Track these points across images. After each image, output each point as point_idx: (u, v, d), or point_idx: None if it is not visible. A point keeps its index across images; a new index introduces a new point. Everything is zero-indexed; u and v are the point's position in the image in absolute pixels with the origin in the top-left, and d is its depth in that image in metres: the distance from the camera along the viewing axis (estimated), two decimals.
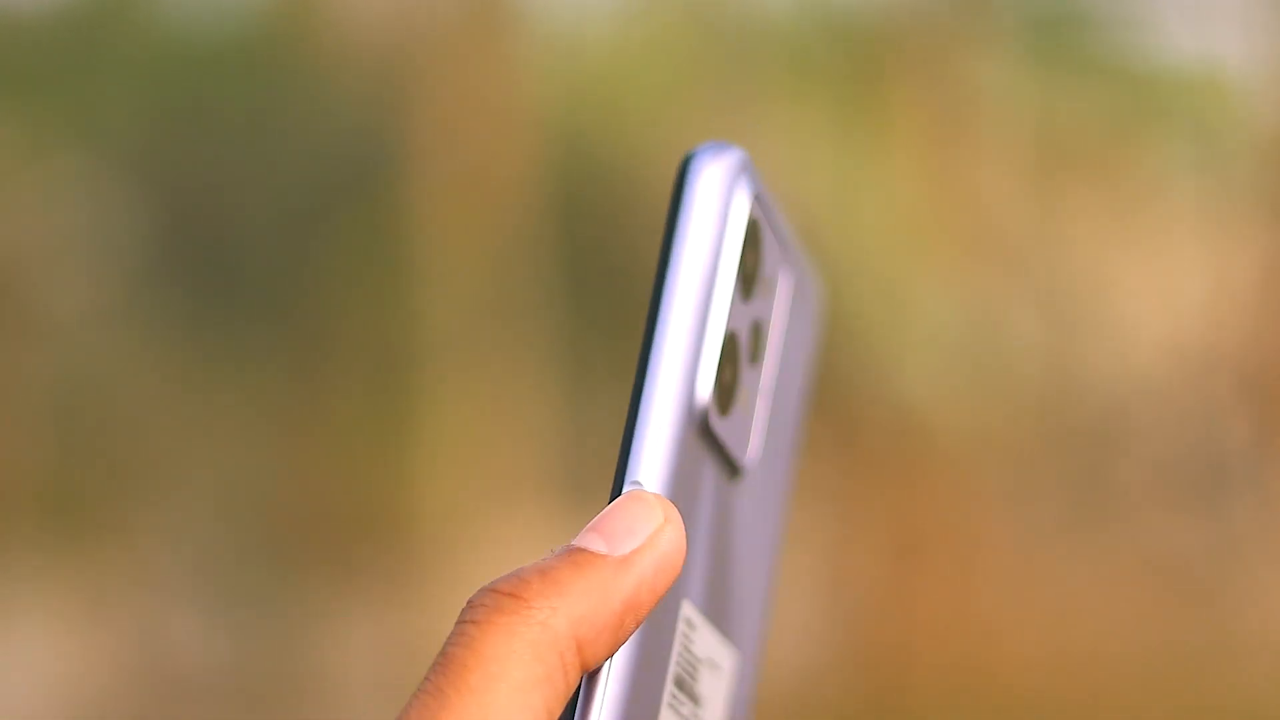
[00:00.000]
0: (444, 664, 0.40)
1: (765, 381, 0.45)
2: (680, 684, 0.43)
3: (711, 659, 0.44)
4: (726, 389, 0.43)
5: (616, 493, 0.42)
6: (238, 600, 1.79)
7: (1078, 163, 1.97)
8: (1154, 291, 1.96)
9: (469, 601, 0.41)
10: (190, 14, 1.92)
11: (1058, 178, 1.97)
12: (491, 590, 0.40)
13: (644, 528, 0.41)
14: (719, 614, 0.45)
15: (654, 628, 0.42)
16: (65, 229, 1.86)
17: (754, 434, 0.45)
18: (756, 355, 0.45)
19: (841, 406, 1.90)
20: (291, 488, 1.82)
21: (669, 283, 0.42)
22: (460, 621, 0.40)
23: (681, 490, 0.43)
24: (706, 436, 0.43)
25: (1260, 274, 1.96)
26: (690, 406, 0.42)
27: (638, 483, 0.42)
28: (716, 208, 0.43)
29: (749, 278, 0.44)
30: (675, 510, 0.41)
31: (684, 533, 0.42)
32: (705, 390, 0.42)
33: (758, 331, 0.45)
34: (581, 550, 0.41)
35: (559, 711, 0.41)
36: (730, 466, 0.45)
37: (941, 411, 1.88)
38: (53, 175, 1.86)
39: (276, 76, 1.92)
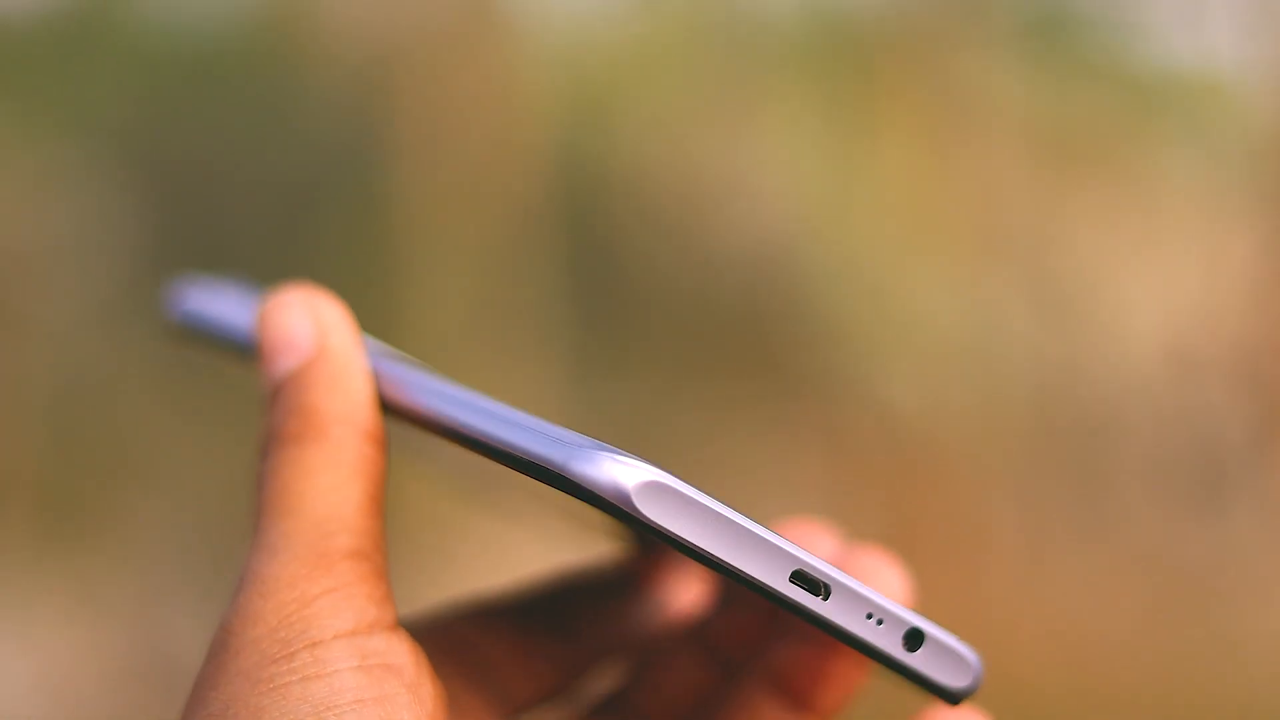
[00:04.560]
0: None
1: None
2: None
3: None
4: None
5: None
6: (231, 594, 1.79)
7: (1073, 163, 1.97)
8: (1150, 290, 1.96)
9: None
10: (181, 10, 1.92)
11: (1053, 177, 1.97)
12: None
13: None
14: None
15: None
16: (55, 225, 1.86)
17: None
18: None
19: (833, 406, 1.90)
20: None
21: None
22: None
23: None
24: None
25: (1256, 273, 1.96)
26: None
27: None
28: None
29: None
30: None
31: None
32: None
33: None
34: None
35: None
36: None
37: (934, 409, 1.88)
38: (41, 171, 1.87)
39: (270, 74, 1.92)
